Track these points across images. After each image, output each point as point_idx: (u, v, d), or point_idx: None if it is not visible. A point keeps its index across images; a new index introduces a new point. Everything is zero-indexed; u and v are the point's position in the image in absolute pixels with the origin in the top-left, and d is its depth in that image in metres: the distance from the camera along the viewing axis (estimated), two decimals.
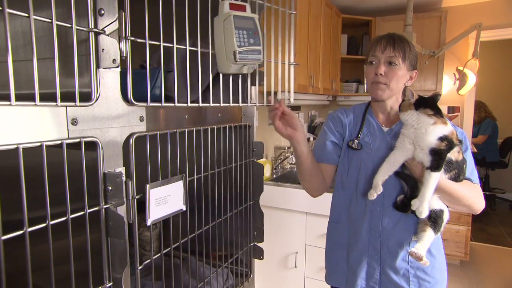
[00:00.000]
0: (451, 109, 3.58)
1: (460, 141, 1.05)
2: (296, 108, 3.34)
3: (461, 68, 3.25)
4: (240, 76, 1.17)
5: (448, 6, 3.42)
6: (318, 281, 2.34)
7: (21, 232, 0.61)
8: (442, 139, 0.98)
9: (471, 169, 1.14)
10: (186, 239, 1.07)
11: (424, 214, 1.01)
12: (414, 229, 1.12)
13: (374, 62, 1.16)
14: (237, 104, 1.11)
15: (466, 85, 3.19)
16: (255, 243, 1.46)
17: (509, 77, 5.27)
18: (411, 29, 2.78)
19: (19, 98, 0.60)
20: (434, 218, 1.05)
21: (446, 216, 1.09)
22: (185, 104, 1.00)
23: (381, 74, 1.13)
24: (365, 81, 1.23)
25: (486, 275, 3.01)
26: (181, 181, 0.97)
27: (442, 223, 1.07)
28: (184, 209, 0.99)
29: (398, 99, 1.18)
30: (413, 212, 1.06)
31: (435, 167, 0.97)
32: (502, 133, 4.93)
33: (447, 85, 3.54)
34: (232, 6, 0.95)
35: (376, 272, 1.16)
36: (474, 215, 3.16)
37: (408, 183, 1.07)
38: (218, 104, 1.07)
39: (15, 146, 0.59)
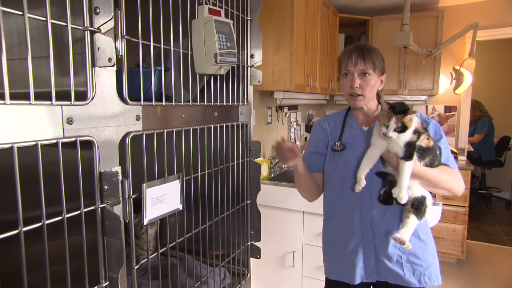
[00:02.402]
0: (448, 108, 3.60)
1: (425, 129, 1.16)
2: (293, 107, 3.34)
3: (457, 67, 3.26)
4: (239, 76, 1.17)
5: (445, 5, 3.43)
6: (316, 280, 2.34)
7: (16, 231, 0.61)
8: (415, 132, 1.10)
9: (446, 155, 1.23)
10: (182, 238, 1.07)
11: (404, 200, 1.12)
12: (401, 217, 1.20)
13: (348, 75, 1.26)
14: (234, 103, 1.11)
15: (462, 85, 3.20)
16: (252, 242, 1.46)
17: (505, 76, 5.29)
18: (408, 28, 2.79)
19: (14, 97, 0.59)
20: (417, 205, 1.15)
21: (429, 202, 1.17)
22: (179, 103, 1.00)
23: (356, 87, 1.23)
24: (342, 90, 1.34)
25: (482, 273, 3.03)
26: (178, 180, 0.97)
27: (425, 209, 1.15)
28: (181, 208, 0.99)
29: (374, 101, 1.30)
30: (397, 203, 1.16)
31: (408, 156, 1.09)
32: (498, 132, 4.95)
33: (444, 84, 3.55)
34: (211, 11, 1.01)
35: (372, 262, 1.24)
36: (470, 214, 3.17)
37: (387, 179, 1.18)
38: (217, 103, 1.07)
39: (10, 145, 0.59)
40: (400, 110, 1.08)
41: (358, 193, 1.21)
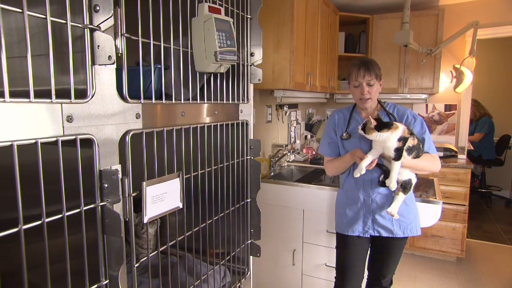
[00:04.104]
0: (448, 107, 3.60)
1: (411, 133, 1.54)
2: (293, 106, 3.34)
3: (458, 66, 3.26)
4: (239, 74, 1.16)
5: (445, 4, 3.42)
6: (316, 278, 2.35)
7: (16, 229, 0.61)
8: (400, 139, 1.49)
9: (428, 144, 1.66)
10: (182, 236, 1.07)
11: (393, 187, 1.59)
12: (391, 192, 1.68)
13: (358, 86, 1.66)
14: (234, 102, 1.11)
15: (463, 83, 3.20)
16: (252, 240, 1.46)
17: (505, 75, 5.28)
18: (408, 27, 2.78)
19: (14, 95, 0.59)
20: (404, 186, 1.62)
21: (414, 181, 1.64)
22: (180, 102, 1.00)
23: (366, 93, 1.64)
24: (352, 96, 1.75)
25: (482, 272, 3.03)
26: (178, 178, 0.97)
27: (410, 187, 1.63)
28: (181, 206, 0.99)
29: (375, 101, 1.71)
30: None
31: (396, 158, 1.53)
32: (499, 131, 4.95)
33: (444, 83, 3.55)
34: (211, 9, 1.02)
35: (369, 221, 1.72)
36: (470, 213, 3.18)
37: (383, 170, 1.66)
38: (217, 102, 1.07)
39: (9, 143, 0.59)
40: (381, 122, 1.52)
41: (363, 174, 1.63)
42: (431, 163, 1.63)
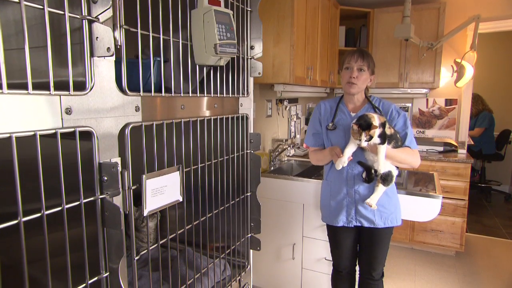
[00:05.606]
0: (449, 102, 3.59)
1: (385, 121, 1.58)
2: (293, 100, 3.33)
3: (458, 60, 3.24)
4: (239, 67, 1.16)
5: None
6: (315, 272, 2.36)
7: (15, 221, 0.61)
8: (379, 125, 1.52)
9: (410, 139, 1.70)
10: (183, 230, 1.07)
11: (382, 170, 1.63)
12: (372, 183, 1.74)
13: (349, 68, 1.69)
14: (234, 95, 1.10)
15: (463, 78, 3.19)
16: (252, 234, 1.46)
17: (506, 69, 5.26)
18: (409, 20, 2.76)
19: (12, 87, 0.59)
20: (384, 178, 1.67)
21: (394, 173, 1.68)
22: (179, 95, 0.99)
23: (354, 77, 1.67)
24: (341, 81, 1.77)
25: (481, 266, 3.04)
26: (178, 171, 0.97)
27: (391, 179, 1.68)
28: (181, 200, 0.99)
29: (361, 94, 1.75)
30: (375, 173, 1.66)
31: (382, 142, 1.56)
32: (499, 125, 4.94)
33: (445, 77, 3.54)
34: (210, 1, 1.01)
35: (352, 211, 1.76)
36: (470, 207, 3.18)
37: (365, 167, 1.70)
38: (217, 95, 1.06)
39: (8, 135, 0.58)
40: (366, 126, 1.50)
41: (347, 169, 1.72)
42: (411, 156, 1.68)
